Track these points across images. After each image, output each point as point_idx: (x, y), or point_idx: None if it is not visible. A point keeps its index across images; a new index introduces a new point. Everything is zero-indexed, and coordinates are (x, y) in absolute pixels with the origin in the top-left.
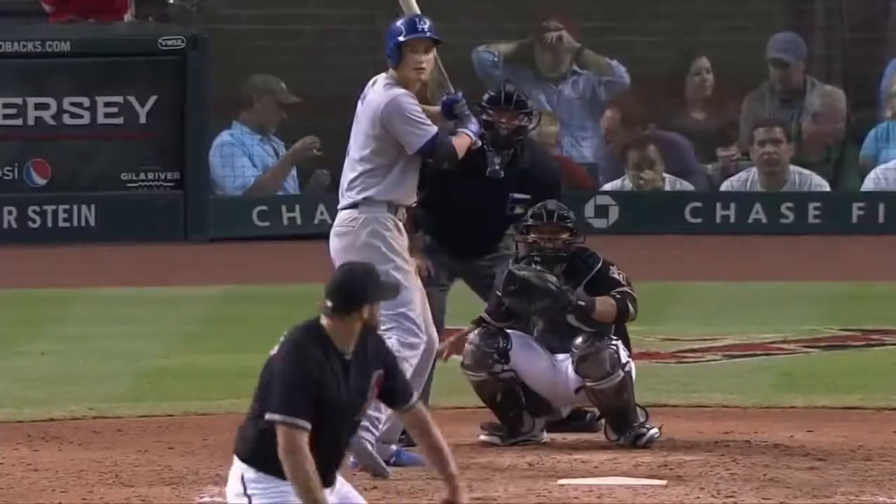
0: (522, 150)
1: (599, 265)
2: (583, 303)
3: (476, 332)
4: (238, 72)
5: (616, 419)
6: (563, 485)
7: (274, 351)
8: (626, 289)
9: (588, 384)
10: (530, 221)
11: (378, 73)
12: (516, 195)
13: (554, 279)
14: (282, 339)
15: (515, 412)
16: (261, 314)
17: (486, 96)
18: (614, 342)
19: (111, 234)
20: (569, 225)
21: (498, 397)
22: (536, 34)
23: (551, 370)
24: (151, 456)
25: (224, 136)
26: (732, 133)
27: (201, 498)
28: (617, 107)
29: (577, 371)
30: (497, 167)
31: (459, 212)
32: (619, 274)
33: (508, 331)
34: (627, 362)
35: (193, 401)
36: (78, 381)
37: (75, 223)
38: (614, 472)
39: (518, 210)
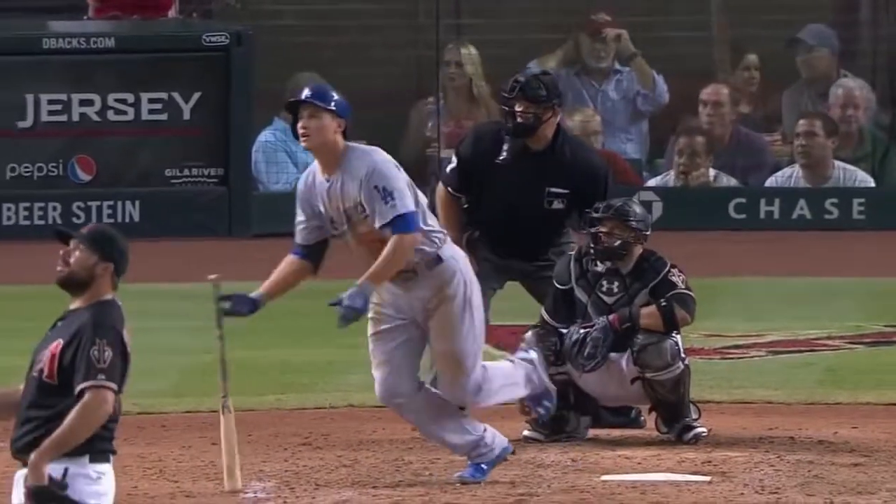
0: (562, 144)
1: (666, 270)
2: (628, 325)
3: (531, 332)
4: (282, 68)
5: (668, 412)
6: (606, 481)
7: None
8: (679, 291)
9: (648, 374)
10: (594, 213)
11: (421, 68)
12: (553, 189)
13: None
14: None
15: (563, 411)
16: (304, 309)
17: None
18: (675, 336)
19: (155, 229)
20: (630, 223)
21: None
22: (586, 28)
23: (604, 370)
24: (195, 451)
25: (266, 134)
26: (777, 126)
27: (245, 493)
28: (728, 85)
29: (636, 361)
30: (506, 154)
31: (500, 207)
32: (677, 276)
33: (563, 331)
34: (686, 356)
35: (237, 396)
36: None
37: (119, 219)
38: (658, 468)
39: (557, 205)
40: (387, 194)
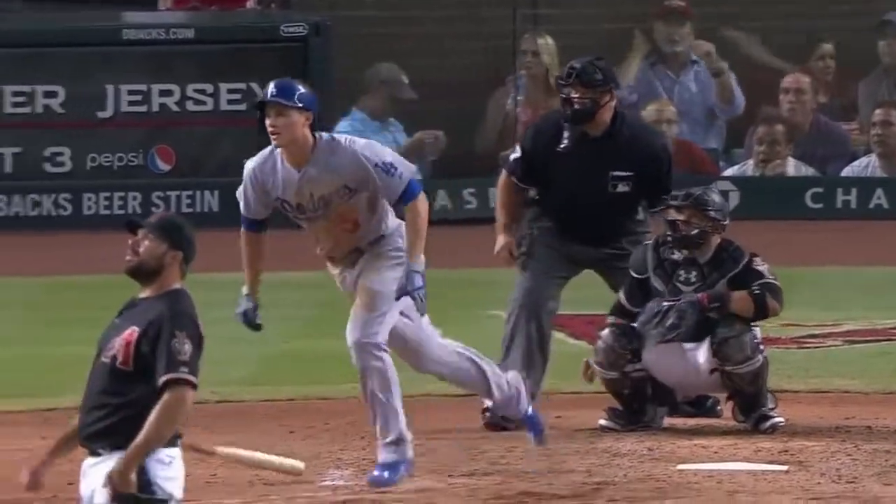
0: (620, 127)
1: (745, 260)
2: (717, 304)
3: (608, 330)
4: (359, 58)
5: (746, 402)
6: (682, 470)
7: None
8: (768, 280)
9: (727, 368)
10: (672, 201)
11: (497, 58)
12: (616, 172)
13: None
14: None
15: (640, 404)
16: None
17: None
18: (754, 328)
19: (234, 219)
20: (709, 212)
21: (625, 392)
22: (660, 15)
23: (682, 361)
24: (273, 439)
25: (344, 124)
26: (854, 115)
27: (322, 482)
28: (811, 73)
29: (716, 354)
30: (566, 142)
31: (565, 195)
32: (762, 265)
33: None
34: (764, 348)
35: (315, 385)
36: (203, 365)
37: (198, 208)
38: (735, 458)
39: (622, 188)
40: (389, 167)
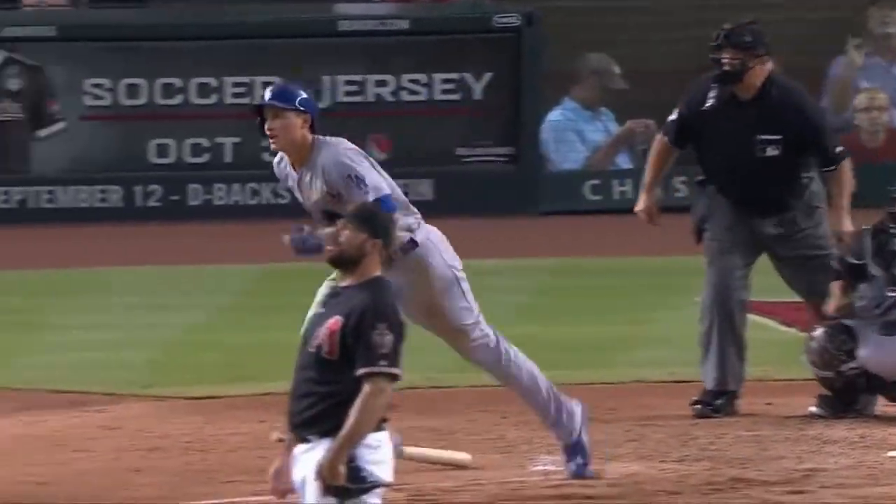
0: (769, 91)
1: None
2: None
3: (821, 330)
4: (571, 48)
5: None
6: (894, 457)
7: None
8: None
9: None
10: (894, 193)
11: (700, 48)
12: (763, 136)
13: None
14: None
15: (853, 397)
16: (591, 287)
17: None
18: None
19: (448, 207)
20: None
21: (838, 385)
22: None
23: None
24: (484, 424)
25: (555, 113)
26: None
27: (534, 467)
28: None
29: None
30: (711, 101)
31: (716, 158)
32: None
33: (850, 322)
34: None
35: None
36: (415, 350)
37: (412, 197)
38: None
39: (771, 151)
40: (359, 181)
